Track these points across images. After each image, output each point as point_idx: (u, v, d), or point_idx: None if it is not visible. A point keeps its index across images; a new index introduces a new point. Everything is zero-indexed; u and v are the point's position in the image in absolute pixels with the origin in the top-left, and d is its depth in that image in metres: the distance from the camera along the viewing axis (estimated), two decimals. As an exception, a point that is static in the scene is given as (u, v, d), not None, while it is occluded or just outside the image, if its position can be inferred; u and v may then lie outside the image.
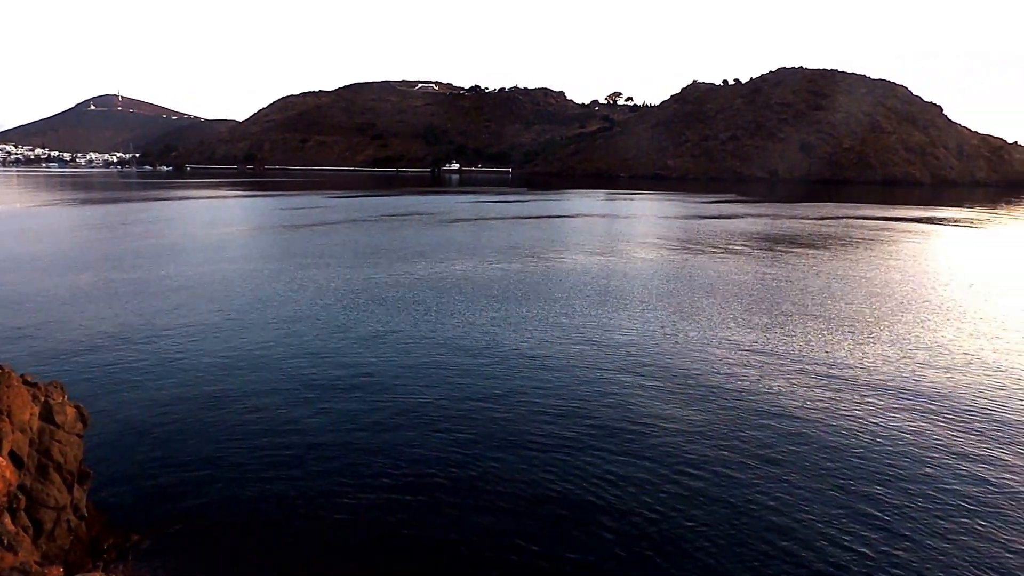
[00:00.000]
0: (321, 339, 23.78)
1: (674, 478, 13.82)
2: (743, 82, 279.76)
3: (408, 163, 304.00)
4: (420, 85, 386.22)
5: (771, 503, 12.93)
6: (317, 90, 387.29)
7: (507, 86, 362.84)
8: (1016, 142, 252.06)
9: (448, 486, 13.40)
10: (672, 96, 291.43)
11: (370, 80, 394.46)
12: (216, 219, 73.64)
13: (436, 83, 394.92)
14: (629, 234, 61.39)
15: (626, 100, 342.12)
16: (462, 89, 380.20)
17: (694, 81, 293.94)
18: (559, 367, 20.82)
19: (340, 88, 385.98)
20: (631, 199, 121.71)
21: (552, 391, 18.74)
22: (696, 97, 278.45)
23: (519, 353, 22.16)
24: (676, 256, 46.32)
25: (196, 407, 17.27)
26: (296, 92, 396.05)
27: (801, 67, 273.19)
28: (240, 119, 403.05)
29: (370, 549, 11.50)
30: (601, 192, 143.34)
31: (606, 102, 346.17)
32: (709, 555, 11.32)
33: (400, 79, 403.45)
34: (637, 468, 14.21)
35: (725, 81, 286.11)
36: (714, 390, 19.00)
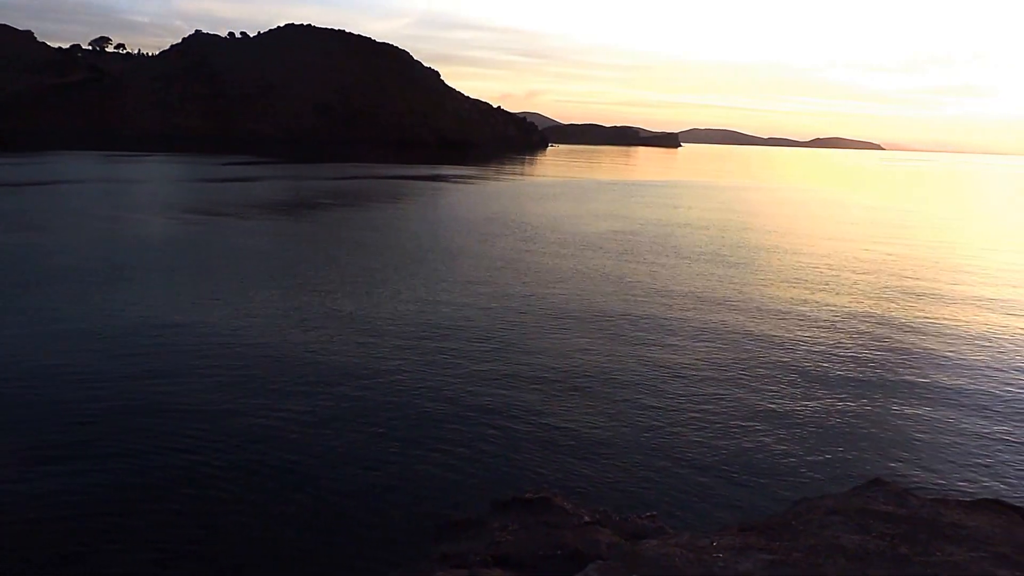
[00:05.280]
0: None
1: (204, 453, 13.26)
2: (251, 36, 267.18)
3: None
4: None
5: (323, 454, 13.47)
6: None
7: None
8: (500, 107, 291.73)
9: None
10: (173, 47, 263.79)
11: None
12: None
13: None
14: (137, 201, 55.94)
15: (116, 47, 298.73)
16: None
17: (197, 31, 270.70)
18: (60, 362, 17.92)
19: None
20: (136, 161, 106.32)
21: (52, 382, 16.58)
22: (201, 50, 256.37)
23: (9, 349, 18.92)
24: (193, 224, 43.95)
25: None
26: None
27: (310, 25, 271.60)
28: None
29: None
30: (97, 153, 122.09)
31: (91, 48, 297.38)
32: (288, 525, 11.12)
33: None
34: (153, 445, 13.45)
35: (232, 34, 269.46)
36: (250, 359, 18.55)
